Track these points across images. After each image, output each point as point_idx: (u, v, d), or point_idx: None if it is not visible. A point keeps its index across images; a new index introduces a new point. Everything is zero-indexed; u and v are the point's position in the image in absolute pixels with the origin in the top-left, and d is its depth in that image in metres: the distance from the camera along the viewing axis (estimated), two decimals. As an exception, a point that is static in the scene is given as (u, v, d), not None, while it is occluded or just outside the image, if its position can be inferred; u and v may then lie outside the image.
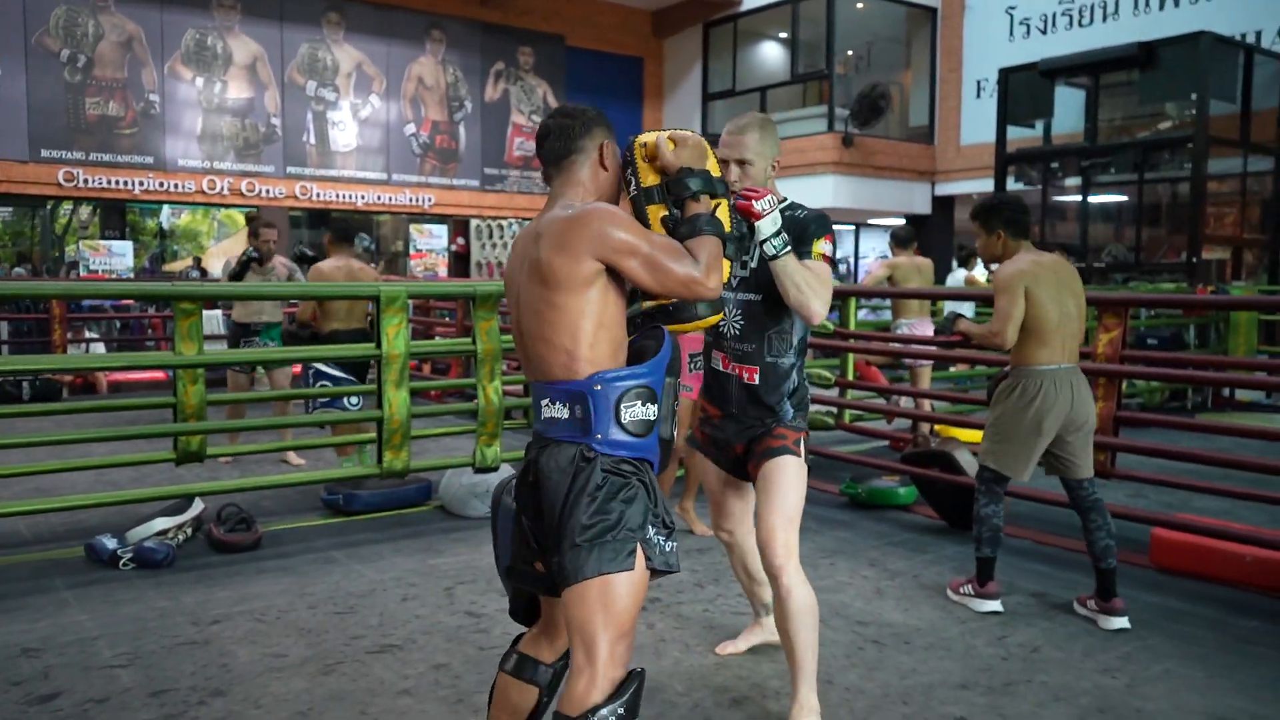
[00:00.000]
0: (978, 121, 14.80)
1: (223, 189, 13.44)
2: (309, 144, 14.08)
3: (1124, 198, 13.29)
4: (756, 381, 2.80)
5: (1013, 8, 14.34)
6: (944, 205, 15.75)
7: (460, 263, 15.79)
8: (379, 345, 4.72)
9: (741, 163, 2.75)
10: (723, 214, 2.19)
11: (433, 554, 4.54)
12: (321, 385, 5.57)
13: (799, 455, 2.77)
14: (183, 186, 13.21)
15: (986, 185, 13.83)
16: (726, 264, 2.14)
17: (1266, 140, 11.63)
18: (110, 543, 4.32)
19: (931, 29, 15.65)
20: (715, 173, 2.20)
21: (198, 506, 4.75)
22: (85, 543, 4.39)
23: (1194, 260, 10.70)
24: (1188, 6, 12.40)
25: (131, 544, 4.35)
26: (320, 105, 14.15)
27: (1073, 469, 3.75)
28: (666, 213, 2.16)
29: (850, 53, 16.34)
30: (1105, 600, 3.66)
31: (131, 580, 4.11)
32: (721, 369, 2.86)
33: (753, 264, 2.78)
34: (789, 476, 2.73)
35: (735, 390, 2.83)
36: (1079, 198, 12.69)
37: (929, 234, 14.54)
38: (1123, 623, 3.61)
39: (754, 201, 2.57)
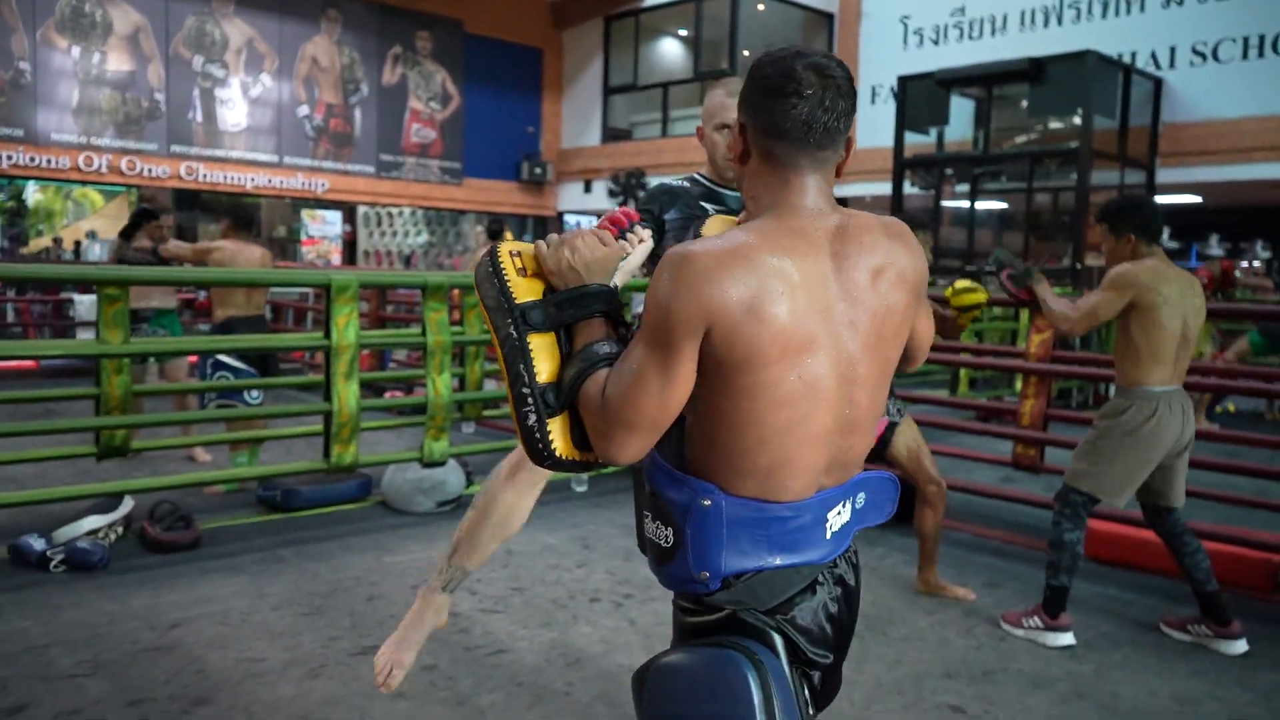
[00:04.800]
0: (872, 126, 15.22)
1: (100, 166, 12.64)
2: (195, 122, 13.38)
3: (1004, 205, 13.97)
4: None
5: (907, 17, 14.83)
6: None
7: (349, 250, 15.32)
8: (328, 335, 4.55)
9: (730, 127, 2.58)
10: None
11: (386, 552, 4.40)
12: (221, 378, 5.28)
13: None
14: (56, 162, 12.35)
15: (881, 188, 14.27)
16: None
17: (1140, 156, 12.40)
18: (38, 543, 4.02)
19: (828, 34, 16.04)
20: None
21: (128, 504, 4.48)
22: (10, 543, 4.07)
23: (1077, 267, 11.34)
24: (1070, 26, 13.09)
25: (61, 544, 4.07)
26: (208, 82, 13.47)
27: (1168, 495, 3.55)
28: None
29: (746, 53, 16.60)
30: (1223, 625, 3.51)
31: (67, 583, 3.83)
32: None
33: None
34: None
35: None
36: (967, 203, 13.26)
37: (825, 234, 14.88)
38: (1243, 646, 3.48)
39: None
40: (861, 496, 1.48)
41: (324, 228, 14.93)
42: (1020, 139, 13.47)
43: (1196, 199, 13.19)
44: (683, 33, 17.23)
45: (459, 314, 5.35)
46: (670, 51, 17.50)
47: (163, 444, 5.20)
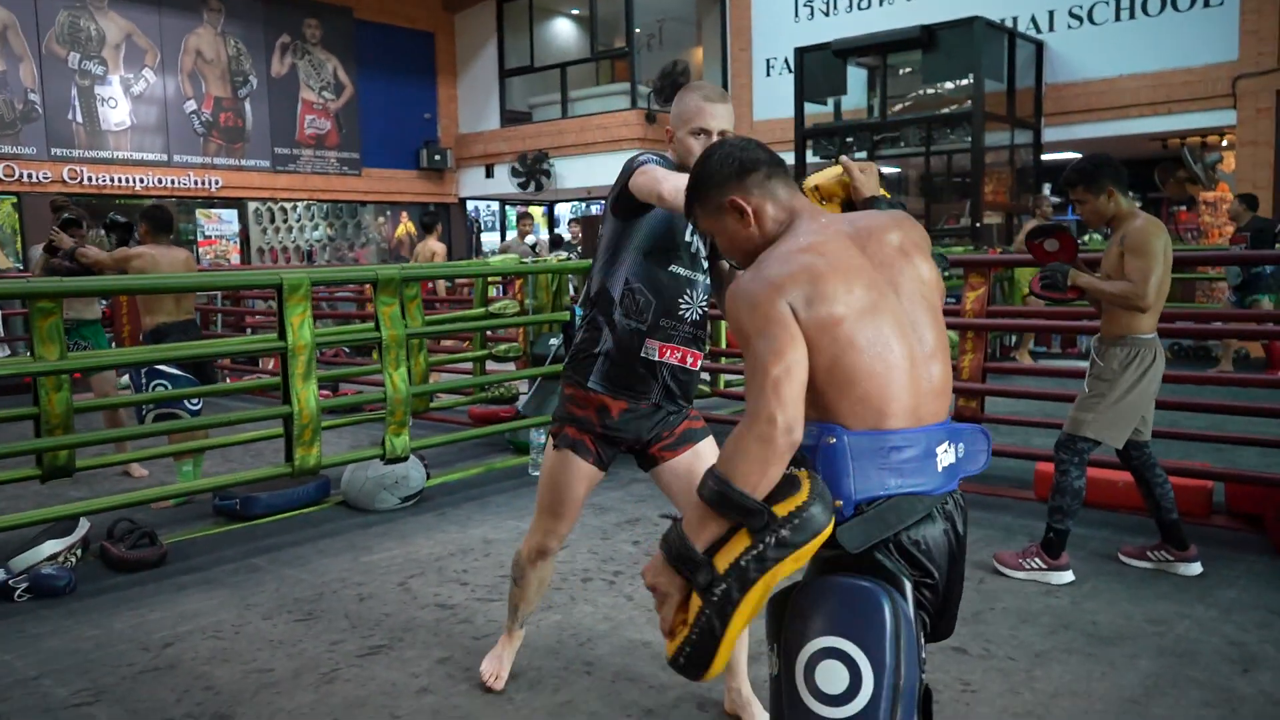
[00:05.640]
0: (769, 98, 15.48)
1: (-26, 174, 11.91)
2: (76, 123, 12.71)
3: (898, 170, 14.41)
4: (699, 366, 2.64)
5: (797, -10, 15.08)
6: (740, 179, 16.38)
7: (248, 249, 14.80)
8: (282, 337, 4.44)
9: (723, 134, 2.52)
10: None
11: (363, 551, 4.35)
12: (158, 387, 5.11)
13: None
14: (-75, 172, 11.60)
15: (783, 159, 14.55)
16: None
17: (1026, 116, 12.94)
18: (-2, 573, 3.85)
19: (721, 9, 16.19)
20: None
21: (84, 526, 4.31)
22: (-34, 576, 3.88)
23: (977, 225, 11.79)
24: (954, -7, 13.51)
25: (21, 572, 3.90)
26: (86, 80, 12.80)
27: (1143, 430, 3.76)
28: None
29: (638, 30, 16.63)
30: (1183, 549, 3.77)
31: (37, 611, 3.68)
32: (658, 358, 2.55)
33: (699, 243, 2.60)
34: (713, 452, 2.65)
35: (668, 379, 2.58)
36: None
37: (731, 207, 15.09)
38: (1199, 568, 3.74)
39: None
40: (962, 446, 1.68)
41: (221, 227, 14.40)
42: (911, 102, 13.87)
43: (1078, 155, 13.82)
44: (576, 12, 17.15)
45: (399, 307, 5.27)
46: (565, 31, 17.40)
47: (102, 461, 4.99)
